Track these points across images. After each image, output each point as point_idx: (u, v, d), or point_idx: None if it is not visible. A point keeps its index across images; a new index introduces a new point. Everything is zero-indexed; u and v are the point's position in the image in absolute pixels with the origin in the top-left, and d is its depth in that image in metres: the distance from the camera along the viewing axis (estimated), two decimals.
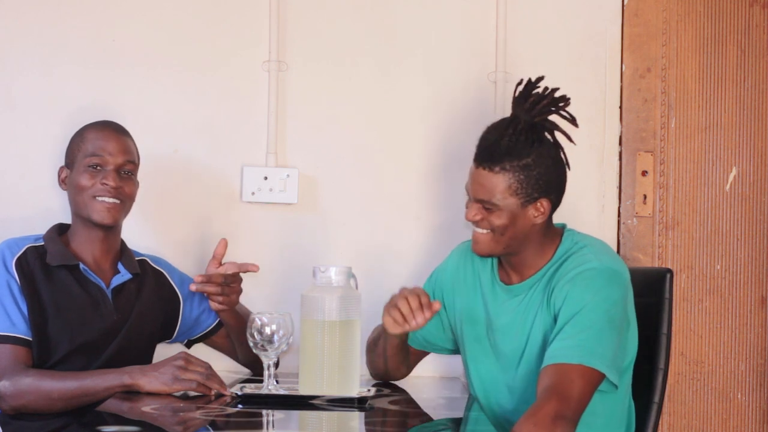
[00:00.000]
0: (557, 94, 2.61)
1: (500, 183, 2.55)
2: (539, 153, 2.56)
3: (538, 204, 2.57)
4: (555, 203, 2.62)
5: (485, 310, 2.70)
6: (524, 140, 2.55)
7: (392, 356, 2.77)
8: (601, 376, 2.43)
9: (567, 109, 2.62)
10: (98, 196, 2.76)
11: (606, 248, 2.64)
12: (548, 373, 2.42)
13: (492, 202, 2.56)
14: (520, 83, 2.63)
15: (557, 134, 2.64)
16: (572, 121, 2.63)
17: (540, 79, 2.63)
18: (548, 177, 2.57)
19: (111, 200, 2.76)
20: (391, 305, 2.54)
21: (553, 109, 2.60)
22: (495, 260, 2.73)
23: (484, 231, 2.60)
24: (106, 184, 2.75)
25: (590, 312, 2.47)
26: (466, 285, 2.76)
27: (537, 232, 2.61)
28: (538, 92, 2.60)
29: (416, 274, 3.14)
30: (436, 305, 2.51)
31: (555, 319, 2.53)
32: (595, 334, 2.45)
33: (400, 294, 2.54)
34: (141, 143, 2.87)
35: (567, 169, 2.64)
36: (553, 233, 2.66)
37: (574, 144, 2.68)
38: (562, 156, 2.62)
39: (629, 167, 3.26)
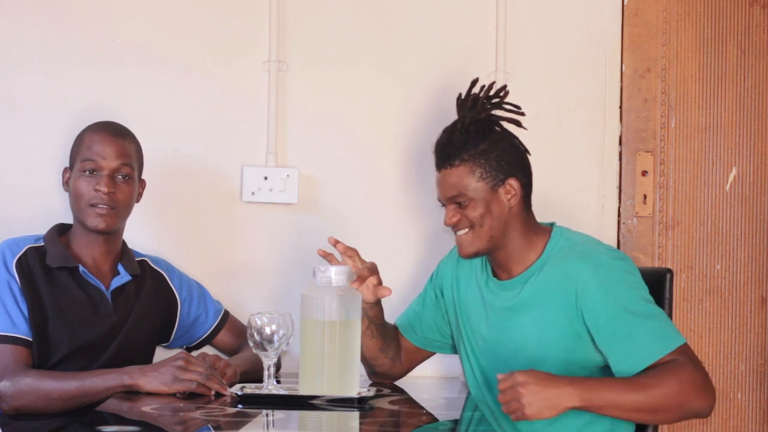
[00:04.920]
0: (494, 89, 2.73)
1: (465, 173, 2.63)
2: (492, 139, 2.66)
3: (507, 186, 2.64)
4: (525, 185, 2.68)
5: (483, 306, 2.71)
6: (474, 131, 2.66)
7: (365, 342, 2.74)
8: (686, 345, 2.49)
9: (522, 102, 2.73)
10: (92, 203, 2.75)
11: (597, 240, 2.70)
12: (653, 371, 2.46)
13: (463, 193, 2.63)
14: (459, 96, 2.75)
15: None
16: (516, 108, 2.72)
17: (475, 81, 2.76)
18: (508, 158, 2.66)
19: (104, 207, 2.75)
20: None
21: (495, 101, 2.71)
22: (486, 258, 2.75)
23: (465, 231, 2.65)
24: (99, 191, 2.74)
25: (625, 306, 2.51)
26: (465, 280, 2.79)
27: (516, 219, 2.66)
28: (474, 93, 2.72)
29: (416, 274, 3.14)
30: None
31: (584, 324, 2.55)
32: (647, 322, 2.49)
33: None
34: (141, 143, 2.87)
35: (527, 154, 2.72)
36: (539, 229, 2.70)
37: (525, 129, 2.75)
38: (519, 142, 2.71)
39: (629, 167, 3.26)
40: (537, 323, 2.59)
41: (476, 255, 2.68)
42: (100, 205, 2.75)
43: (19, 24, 3.13)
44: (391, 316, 2.95)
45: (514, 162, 2.66)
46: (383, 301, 2.76)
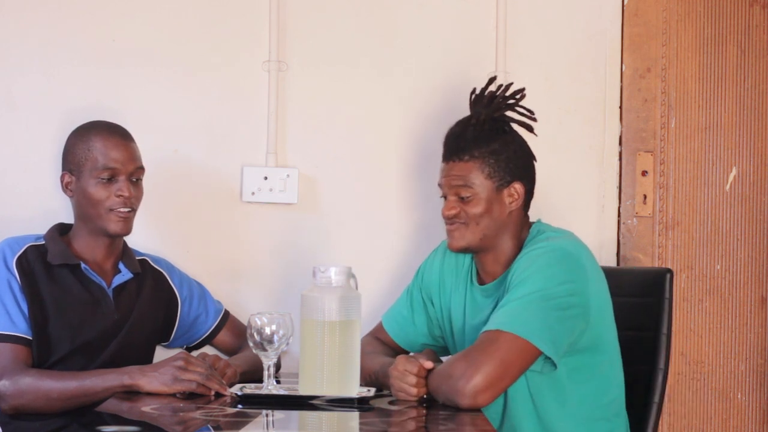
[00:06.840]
0: (511, 90, 2.73)
1: (473, 169, 2.63)
2: (504, 140, 2.66)
3: (512, 189, 2.65)
4: (528, 191, 2.68)
5: (463, 309, 2.72)
6: (488, 129, 2.66)
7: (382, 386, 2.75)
8: (527, 344, 2.44)
9: (522, 103, 2.73)
10: (114, 208, 2.76)
11: (570, 236, 2.66)
12: (477, 340, 2.47)
13: (468, 188, 2.63)
14: (473, 91, 2.75)
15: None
16: (530, 113, 2.73)
17: (492, 79, 2.77)
18: (517, 161, 2.66)
19: (125, 210, 2.76)
20: (401, 376, 2.52)
21: (510, 102, 2.71)
22: (473, 262, 2.75)
23: (460, 224, 2.65)
24: (121, 196, 2.75)
25: (526, 286, 2.49)
26: (450, 283, 2.79)
27: (512, 223, 2.66)
28: (491, 91, 2.72)
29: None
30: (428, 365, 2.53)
31: None
32: (522, 305, 2.47)
33: (411, 369, 2.52)
34: (141, 143, 2.87)
35: (534, 160, 2.72)
36: (526, 229, 2.69)
37: (536, 135, 2.75)
38: (528, 147, 2.71)
39: (629, 167, 3.26)
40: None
41: (465, 250, 2.68)
42: (121, 209, 2.75)
43: (19, 24, 3.13)
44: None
45: (521, 166, 2.67)
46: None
